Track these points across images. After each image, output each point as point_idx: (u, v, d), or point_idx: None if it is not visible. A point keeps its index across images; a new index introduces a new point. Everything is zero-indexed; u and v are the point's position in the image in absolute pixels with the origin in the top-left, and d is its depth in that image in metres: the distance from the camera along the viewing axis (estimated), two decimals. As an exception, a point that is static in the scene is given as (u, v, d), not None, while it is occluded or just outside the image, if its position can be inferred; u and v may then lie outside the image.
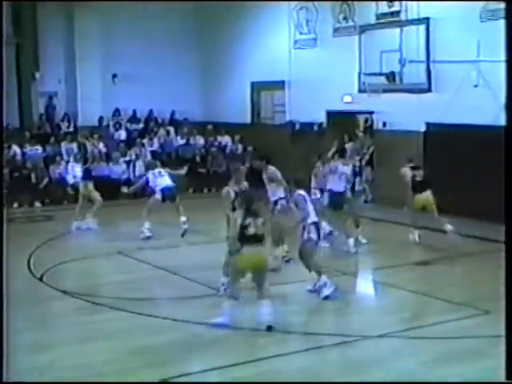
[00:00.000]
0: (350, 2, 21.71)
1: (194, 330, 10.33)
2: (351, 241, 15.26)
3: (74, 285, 12.68)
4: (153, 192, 17.42)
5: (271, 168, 14.13)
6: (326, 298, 11.69)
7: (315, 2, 22.91)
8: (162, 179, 17.33)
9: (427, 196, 15.67)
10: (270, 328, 10.04)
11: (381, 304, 12.32)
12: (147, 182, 17.63)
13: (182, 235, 16.70)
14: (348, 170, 16.20)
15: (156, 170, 17.66)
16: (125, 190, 18.06)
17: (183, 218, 16.89)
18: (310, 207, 12.02)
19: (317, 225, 12.02)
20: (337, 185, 15.68)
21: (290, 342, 9.94)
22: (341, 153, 17.26)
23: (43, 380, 8.53)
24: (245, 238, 10.22)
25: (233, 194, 12.17)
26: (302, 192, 12.17)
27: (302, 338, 10.04)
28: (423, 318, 11.13)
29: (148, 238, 16.69)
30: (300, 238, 11.94)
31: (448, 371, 8.74)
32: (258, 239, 10.26)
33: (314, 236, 11.85)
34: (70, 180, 21.89)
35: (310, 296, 12.07)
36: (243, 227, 10.23)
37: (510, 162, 5.61)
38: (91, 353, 9.53)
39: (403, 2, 19.88)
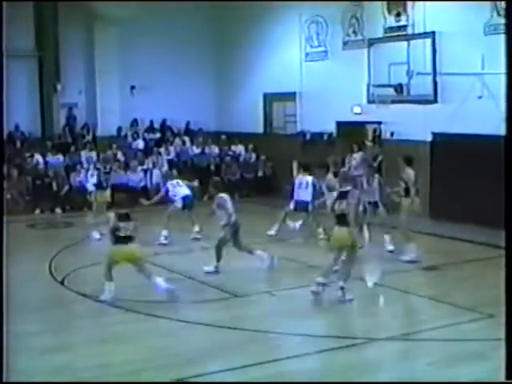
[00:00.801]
0: (358, 17, 21.71)
1: (207, 332, 10.35)
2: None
3: (93, 288, 12.67)
4: (171, 201, 17.53)
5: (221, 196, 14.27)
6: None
7: (325, 17, 22.88)
8: (180, 189, 17.53)
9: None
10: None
11: (388, 308, 12.31)
12: (167, 192, 17.69)
13: (194, 239, 17.02)
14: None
15: (174, 181, 17.86)
16: (145, 202, 17.99)
17: (197, 228, 17.24)
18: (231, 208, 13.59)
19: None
20: None
21: (300, 345, 9.91)
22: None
23: (61, 380, 8.54)
24: None
25: None
26: (222, 195, 13.90)
27: (312, 341, 10.02)
28: (430, 321, 11.08)
29: (164, 245, 16.77)
30: None
31: (454, 372, 8.72)
32: None
33: None
34: (90, 188, 21.94)
35: (320, 300, 12.09)
36: None
37: (510, 169, 5.60)
38: (109, 353, 9.56)
39: (410, 17, 19.88)
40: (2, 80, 6.56)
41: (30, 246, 17.15)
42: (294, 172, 17.33)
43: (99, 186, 18.56)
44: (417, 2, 19.69)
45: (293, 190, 17.28)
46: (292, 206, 17.23)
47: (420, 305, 12.09)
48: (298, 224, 17.32)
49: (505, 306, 5.71)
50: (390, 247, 15.61)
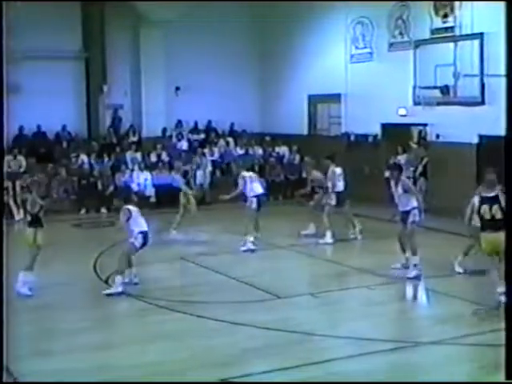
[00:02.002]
0: (405, 18, 21.57)
1: (251, 333, 10.33)
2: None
3: (137, 287, 12.76)
4: (245, 199, 16.66)
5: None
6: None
7: (371, 18, 22.78)
8: (255, 185, 16.56)
9: None
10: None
11: (434, 312, 12.18)
12: (245, 184, 16.45)
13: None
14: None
15: (248, 174, 16.78)
16: (225, 197, 17.14)
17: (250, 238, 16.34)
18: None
19: None
20: None
21: (344, 347, 9.87)
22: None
23: (104, 379, 8.58)
24: None
25: None
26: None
27: (355, 343, 9.94)
28: (476, 326, 10.93)
29: (252, 251, 16.11)
30: None
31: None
32: None
33: None
34: (135, 188, 22.13)
35: (363, 302, 12.04)
36: None
37: (510, 169, 5.49)
38: (152, 352, 9.58)
39: (457, 18, 19.71)
40: (2, 80, 6.57)
41: (75, 245, 17.30)
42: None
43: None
44: (464, 3, 19.50)
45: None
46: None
47: (464, 309, 11.91)
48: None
49: (505, 306, 5.59)
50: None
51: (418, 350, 9.76)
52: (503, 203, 11.46)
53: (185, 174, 19.22)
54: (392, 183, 14.29)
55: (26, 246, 12.37)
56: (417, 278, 13.44)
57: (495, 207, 11.67)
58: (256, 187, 16.46)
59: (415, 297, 13.37)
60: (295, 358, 9.17)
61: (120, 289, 12.36)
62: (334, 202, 17.10)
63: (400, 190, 13.87)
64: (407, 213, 13.77)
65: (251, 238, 16.20)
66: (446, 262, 14.21)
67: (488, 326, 10.59)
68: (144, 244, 12.81)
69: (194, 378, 8.53)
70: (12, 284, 11.70)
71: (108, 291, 12.38)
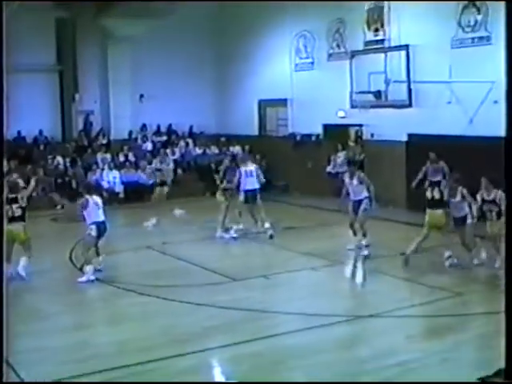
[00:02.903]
0: (341, 32, 21.72)
1: (210, 312, 10.39)
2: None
3: (108, 274, 12.73)
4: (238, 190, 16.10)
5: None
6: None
7: (312, 32, 22.91)
8: (248, 180, 15.87)
9: None
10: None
11: (371, 288, 12.37)
12: (240, 177, 15.86)
13: (271, 237, 15.71)
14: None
15: (248, 168, 16.10)
16: (221, 185, 16.40)
17: (267, 224, 15.90)
18: None
19: None
20: None
21: (293, 322, 9.94)
22: None
23: (83, 356, 8.59)
24: None
25: None
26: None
27: (303, 319, 10.01)
28: (407, 300, 11.13)
29: (235, 238, 15.90)
30: None
31: (429, 345, 8.80)
32: None
33: None
34: (105, 185, 22.03)
35: (309, 282, 12.18)
36: None
37: (510, 169, 5.51)
38: (123, 332, 9.63)
39: (387, 32, 19.91)
40: (2, 80, 6.51)
41: (52, 237, 17.19)
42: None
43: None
44: (392, 19, 19.70)
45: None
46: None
47: (398, 285, 12.12)
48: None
49: (505, 306, 5.72)
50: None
51: (358, 322, 9.93)
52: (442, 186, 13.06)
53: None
54: (346, 176, 14.64)
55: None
56: (368, 255, 13.85)
57: (436, 189, 12.81)
58: (247, 182, 15.87)
59: (355, 276, 13.57)
60: (249, 333, 9.27)
61: (92, 277, 12.32)
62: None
63: (355, 181, 14.30)
64: (359, 202, 14.09)
65: (234, 227, 16.16)
66: (382, 244, 14.42)
67: (415, 301, 10.83)
68: (100, 234, 12.69)
69: (159, 353, 8.56)
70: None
71: (80, 279, 12.33)
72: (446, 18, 18.05)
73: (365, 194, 14.24)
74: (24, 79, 23.34)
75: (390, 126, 19.79)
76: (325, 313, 10.12)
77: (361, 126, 21.95)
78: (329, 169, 22.42)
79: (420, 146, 19.01)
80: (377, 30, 20.28)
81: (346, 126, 23.04)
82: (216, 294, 11.34)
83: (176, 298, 11.10)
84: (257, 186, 16.09)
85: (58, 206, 18.99)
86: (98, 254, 12.96)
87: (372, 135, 21.09)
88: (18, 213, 12.39)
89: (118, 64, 25.71)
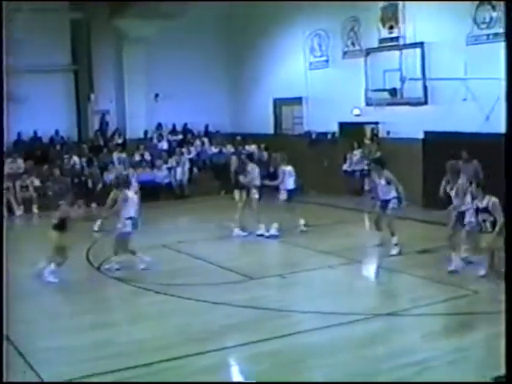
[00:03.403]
0: (356, 30, 21.73)
1: (227, 311, 10.44)
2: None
3: (126, 273, 12.81)
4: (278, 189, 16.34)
5: None
6: None
7: (326, 30, 22.92)
8: (290, 180, 16.23)
9: None
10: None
11: (389, 287, 12.36)
12: (283, 177, 16.15)
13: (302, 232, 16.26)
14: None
15: (288, 168, 16.36)
16: (267, 183, 16.67)
17: (302, 221, 16.35)
18: None
19: None
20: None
21: (309, 321, 9.98)
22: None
23: (103, 355, 8.67)
24: None
25: None
26: None
27: (319, 317, 10.03)
28: (424, 298, 11.11)
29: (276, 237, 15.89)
30: None
31: (445, 343, 8.80)
32: None
33: None
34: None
35: (326, 281, 12.18)
36: None
37: (510, 165, 5.50)
38: (141, 330, 9.68)
39: (401, 29, 19.89)
40: (2, 79, 6.55)
41: (69, 236, 17.23)
42: None
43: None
44: (407, 16, 19.67)
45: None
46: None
47: (415, 284, 12.11)
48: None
49: (505, 306, 5.74)
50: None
51: (376, 320, 9.90)
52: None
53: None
54: (375, 176, 14.63)
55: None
56: (399, 254, 13.82)
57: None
58: (289, 182, 16.18)
59: (372, 274, 13.56)
60: (267, 332, 9.29)
61: (116, 266, 12.68)
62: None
63: (383, 181, 14.19)
64: (387, 201, 14.05)
65: (275, 225, 16.04)
66: (399, 242, 14.40)
67: (432, 299, 10.81)
68: (132, 230, 12.89)
69: (176, 352, 8.62)
70: (15, 273, 11.63)
71: (107, 266, 12.83)
72: (461, 15, 17.99)
73: (393, 193, 14.14)
74: (40, 80, 23.52)
75: (406, 123, 19.76)
76: (342, 311, 10.13)
77: (377, 123, 21.90)
78: (345, 167, 22.41)
79: (436, 144, 18.99)
80: (391, 27, 20.27)
81: (362, 124, 23.00)
82: (233, 293, 11.39)
83: (193, 296, 11.14)
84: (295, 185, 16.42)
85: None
86: (133, 253, 13.10)
87: (388, 133, 21.07)
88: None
89: (132, 64, 25.82)
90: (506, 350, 5.61)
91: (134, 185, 22.49)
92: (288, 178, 16.19)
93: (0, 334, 6.46)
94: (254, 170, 16.41)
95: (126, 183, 13.67)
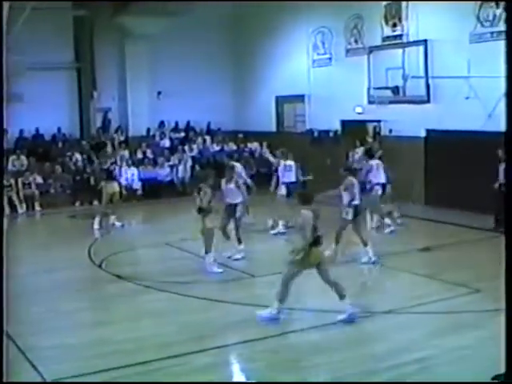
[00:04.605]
0: (359, 27, 21.72)
1: (228, 309, 10.47)
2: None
3: (128, 270, 12.83)
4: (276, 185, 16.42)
5: None
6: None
7: (329, 27, 22.91)
8: (289, 174, 16.27)
9: None
10: None
11: (388, 285, 12.35)
12: (278, 172, 16.35)
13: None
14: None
15: (287, 162, 16.45)
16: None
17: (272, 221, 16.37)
18: None
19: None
20: None
21: (309, 319, 10.00)
22: None
23: (101, 352, 8.68)
24: None
25: None
26: None
27: (319, 315, 10.05)
28: (425, 296, 11.11)
29: (283, 233, 15.76)
30: None
31: (446, 341, 8.79)
32: None
33: None
34: (123, 182, 22.12)
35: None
36: None
37: (511, 168, 5.49)
38: (142, 328, 9.70)
39: (405, 27, 19.87)
40: (2, 79, 6.56)
41: (71, 234, 17.30)
42: None
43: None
44: (410, 14, 19.67)
45: None
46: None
47: (416, 282, 12.12)
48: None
49: (505, 307, 5.74)
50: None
51: (375, 318, 9.91)
52: None
53: None
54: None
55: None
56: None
57: None
58: (288, 176, 16.27)
59: (371, 272, 13.54)
60: (266, 330, 9.30)
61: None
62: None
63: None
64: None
65: (281, 222, 16.04)
66: (400, 240, 14.41)
67: (433, 297, 10.80)
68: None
69: (178, 349, 8.64)
70: (16, 271, 11.63)
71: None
72: (464, 13, 17.94)
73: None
74: (42, 77, 23.52)
75: (409, 121, 19.74)
76: (341, 309, 10.13)
77: (379, 121, 21.88)
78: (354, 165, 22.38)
79: (438, 142, 19.00)
80: (395, 25, 20.25)
81: (364, 122, 22.97)
82: (234, 291, 11.42)
83: (194, 294, 11.18)
84: (294, 179, 16.35)
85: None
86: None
87: (390, 131, 21.05)
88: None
89: (135, 62, 25.84)
90: (506, 350, 5.60)
91: (138, 183, 22.73)
92: (287, 172, 16.24)
93: (0, 334, 6.46)
94: (241, 171, 16.25)
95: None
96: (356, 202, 13.01)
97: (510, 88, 5.37)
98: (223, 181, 13.77)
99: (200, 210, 12.39)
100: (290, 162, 16.53)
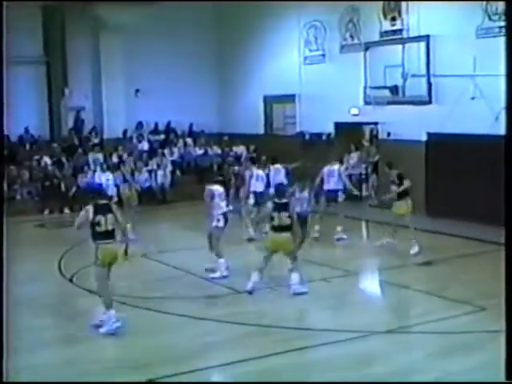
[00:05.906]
0: (355, 21, 21.76)
1: (211, 327, 10.37)
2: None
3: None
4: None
5: None
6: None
7: (323, 22, 22.95)
8: (257, 183, 16.78)
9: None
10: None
11: (387, 302, 12.32)
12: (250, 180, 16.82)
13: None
14: None
15: (259, 171, 17.10)
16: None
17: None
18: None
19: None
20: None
21: (301, 339, 9.90)
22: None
23: (69, 374, 8.57)
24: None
25: None
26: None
27: (312, 335, 10.04)
28: (426, 314, 11.08)
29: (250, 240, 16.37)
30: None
31: (450, 363, 8.75)
32: None
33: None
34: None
35: (320, 295, 12.12)
36: None
37: (510, 166, 5.48)
38: (113, 347, 9.65)
39: (405, 21, 19.92)
40: (2, 80, 6.52)
41: (39, 245, 17.18)
42: None
43: None
44: (411, 7, 19.71)
45: None
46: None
47: (417, 299, 12.09)
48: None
49: (504, 303, 5.71)
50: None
51: (374, 338, 9.87)
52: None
53: None
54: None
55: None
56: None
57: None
58: (256, 184, 16.77)
59: (369, 288, 13.52)
60: (254, 351, 9.22)
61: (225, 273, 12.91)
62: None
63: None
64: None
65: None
66: (401, 253, 14.37)
67: (435, 316, 10.77)
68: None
69: (155, 372, 8.54)
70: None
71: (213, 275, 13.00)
72: (470, 6, 17.96)
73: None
74: (8, 72, 23.38)
75: (408, 124, 19.78)
76: (338, 328, 10.08)
77: (376, 124, 21.93)
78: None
79: (441, 147, 19.01)
80: (394, 18, 20.31)
81: (360, 125, 23.04)
82: (217, 307, 11.36)
83: (174, 311, 11.08)
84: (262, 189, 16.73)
85: None
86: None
87: (388, 134, 21.08)
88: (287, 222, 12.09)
89: (111, 56, 25.80)
90: (506, 350, 5.56)
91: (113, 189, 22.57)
92: (256, 181, 16.69)
93: (0, 334, 6.44)
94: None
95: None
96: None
97: (511, 88, 5.35)
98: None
99: None
100: (261, 172, 17.04)
